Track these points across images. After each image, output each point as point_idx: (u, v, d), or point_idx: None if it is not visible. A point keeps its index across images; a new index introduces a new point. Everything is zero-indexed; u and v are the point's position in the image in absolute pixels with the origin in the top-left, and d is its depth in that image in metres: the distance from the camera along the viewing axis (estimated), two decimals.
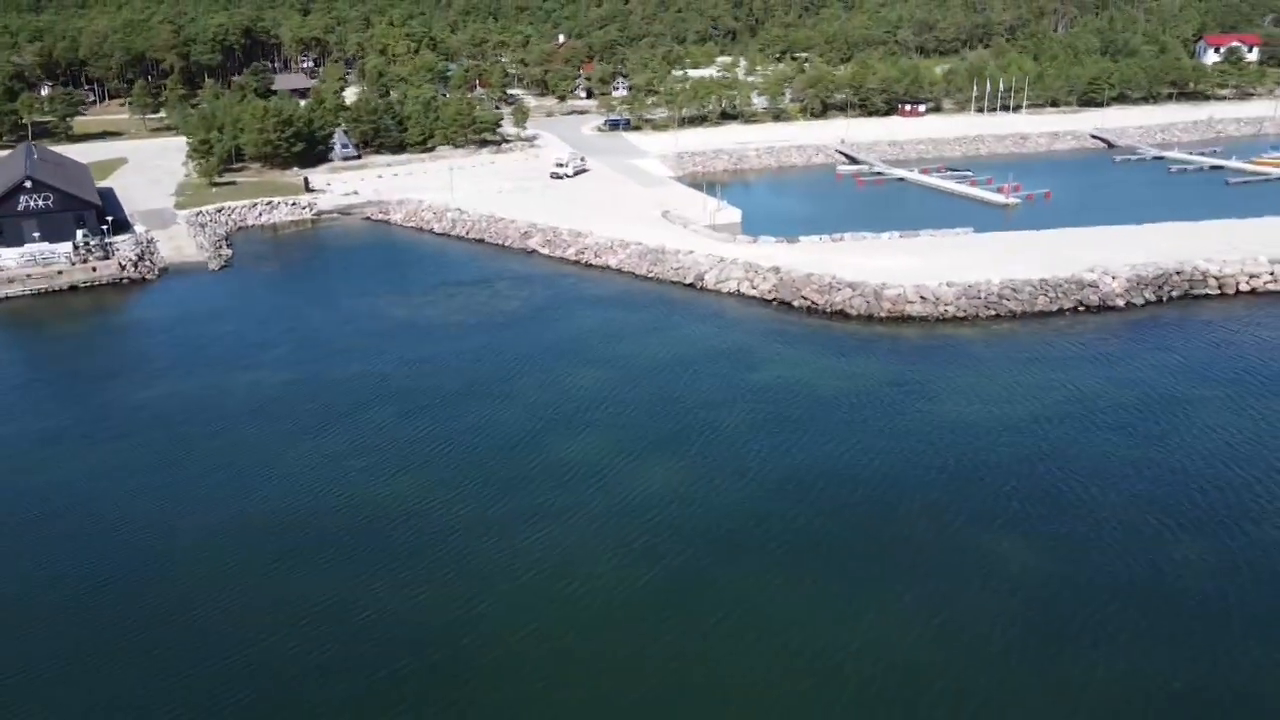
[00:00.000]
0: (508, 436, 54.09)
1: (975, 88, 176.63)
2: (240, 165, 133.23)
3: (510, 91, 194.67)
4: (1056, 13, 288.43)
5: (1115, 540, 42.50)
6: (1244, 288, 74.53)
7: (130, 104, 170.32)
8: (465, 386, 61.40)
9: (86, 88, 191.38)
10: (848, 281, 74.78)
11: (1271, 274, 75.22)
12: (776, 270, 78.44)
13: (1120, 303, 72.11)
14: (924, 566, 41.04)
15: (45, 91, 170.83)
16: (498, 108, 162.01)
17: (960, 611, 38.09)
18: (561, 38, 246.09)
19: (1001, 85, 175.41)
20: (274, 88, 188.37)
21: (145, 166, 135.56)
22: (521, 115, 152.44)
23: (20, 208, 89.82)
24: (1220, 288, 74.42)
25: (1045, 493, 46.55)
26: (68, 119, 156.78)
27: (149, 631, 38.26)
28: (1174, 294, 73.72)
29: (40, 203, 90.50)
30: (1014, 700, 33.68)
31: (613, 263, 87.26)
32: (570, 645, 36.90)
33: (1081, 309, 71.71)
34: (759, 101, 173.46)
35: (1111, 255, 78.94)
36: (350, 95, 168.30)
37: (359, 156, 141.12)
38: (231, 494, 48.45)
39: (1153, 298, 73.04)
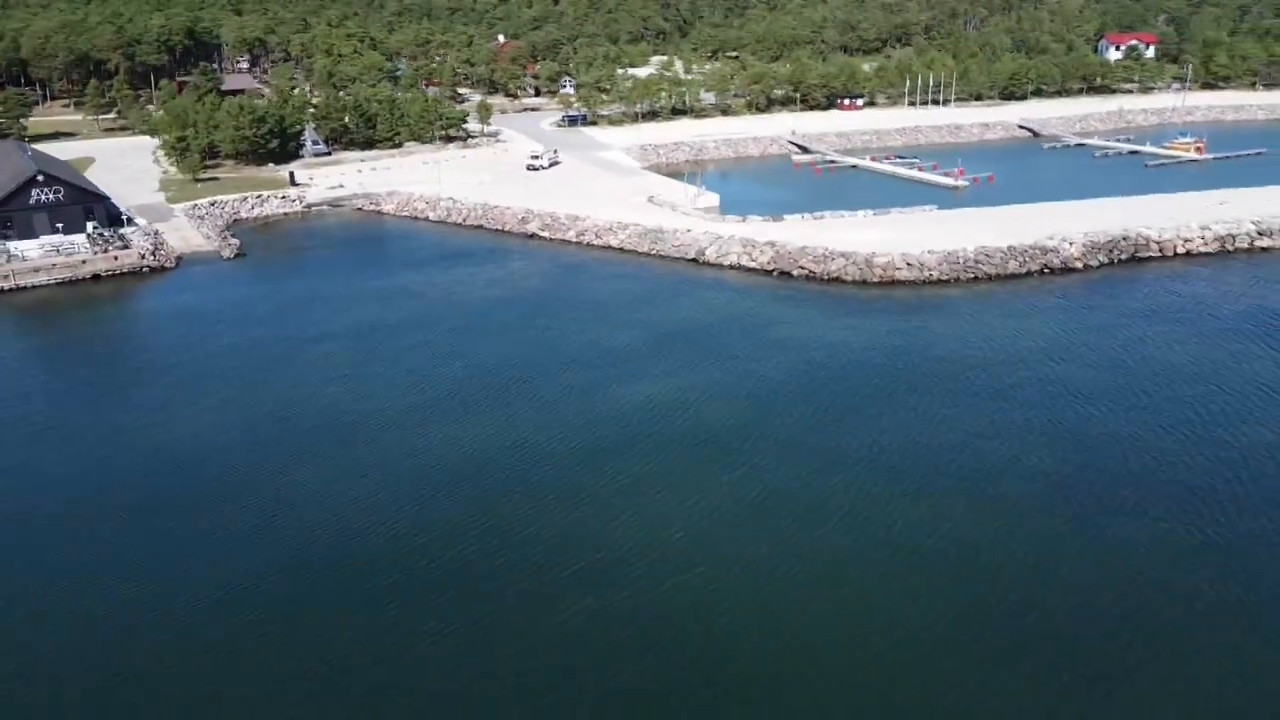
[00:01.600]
0: (578, 387, 60.16)
1: (907, 83, 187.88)
2: (214, 162, 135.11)
3: (460, 91, 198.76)
4: (967, 13, 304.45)
5: (1088, 426, 51.04)
6: (1180, 250, 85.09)
7: (84, 104, 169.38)
8: (521, 349, 67.10)
9: (26, 88, 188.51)
10: (840, 252, 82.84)
11: (1203, 238, 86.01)
12: (772, 244, 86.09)
13: (1079, 265, 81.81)
14: (943, 458, 48.78)
15: None
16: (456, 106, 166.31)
17: (985, 493, 45.86)
18: (501, 38, 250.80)
19: (931, 80, 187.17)
20: (223, 88, 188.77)
21: (115, 165, 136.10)
22: (486, 112, 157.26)
23: (31, 201, 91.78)
24: (1161, 251, 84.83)
25: (1034, 407, 55.09)
26: (21, 119, 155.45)
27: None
28: (1123, 257, 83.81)
29: (51, 196, 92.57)
30: (1051, 558, 41.34)
31: (614, 242, 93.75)
32: (682, 538, 43.26)
33: (1046, 271, 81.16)
34: (706, 98, 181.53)
35: (1063, 226, 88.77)
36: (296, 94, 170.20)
37: (329, 153, 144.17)
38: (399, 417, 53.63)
39: (1105, 260, 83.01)
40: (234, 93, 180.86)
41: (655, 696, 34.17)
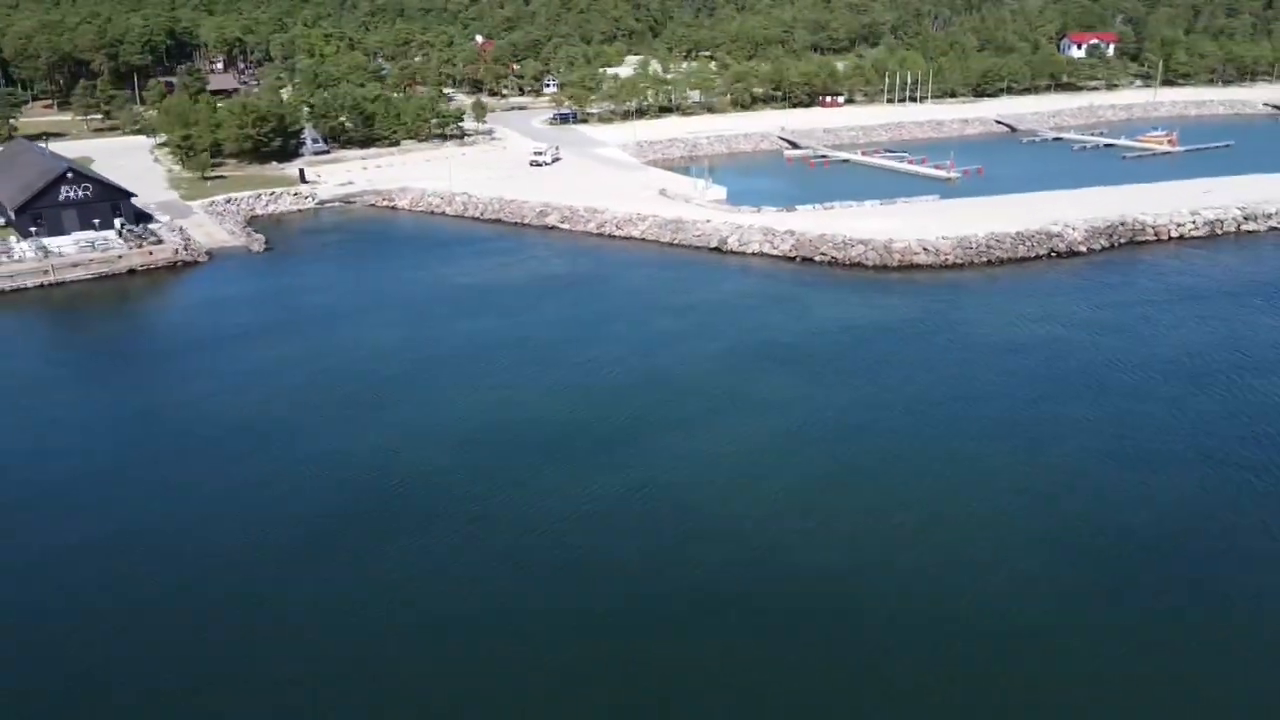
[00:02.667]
0: (640, 367, 63.45)
1: (885, 81, 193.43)
2: (216, 161, 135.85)
3: (444, 90, 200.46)
4: (932, 14, 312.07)
5: (1128, 385, 55.66)
6: (1174, 234, 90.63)
7: (69, 105, 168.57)
8: (576, 331, 70.25)
9: (8, 89, 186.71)
10: (859, 239, 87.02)
11: (1193, 223, 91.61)
12: (792, 232, 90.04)
13: (1083, 248, 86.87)
14: (979, 413, 52.99)
15: None
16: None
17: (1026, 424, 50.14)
18: (479, 38, 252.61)
19: (909, 78, 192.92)
20: (208, 88, 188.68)
21: (115, 165, 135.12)
22: (481, 110, 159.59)
23: (61, 198, 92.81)
24: (1156, 235, 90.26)
25: (1059, 373, 59.56)
26: (10, 120, 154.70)
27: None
28: (1122, 241, 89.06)
29: (80, 193, 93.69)
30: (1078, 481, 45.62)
31: (635, 233, 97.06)
32: (746, 474, 46.88)
33: (1053, 254, 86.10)
34: (692, 95, 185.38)
35: (1062, 213, 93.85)
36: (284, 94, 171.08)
37: (329, 151, 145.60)
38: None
39: (1106, 244, 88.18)
40: (221, 93, 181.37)
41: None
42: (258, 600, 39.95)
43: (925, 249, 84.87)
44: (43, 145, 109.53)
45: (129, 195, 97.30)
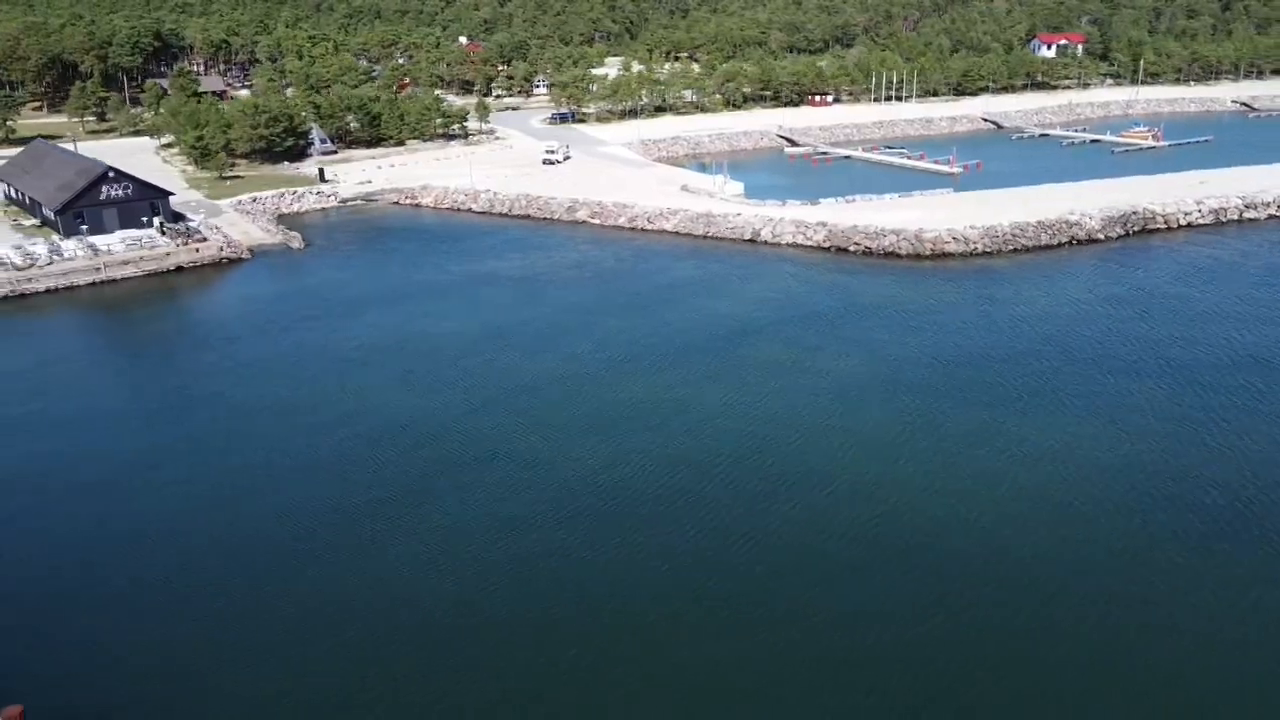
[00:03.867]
0: (700, 344, 66.41)
1: (872, 80, 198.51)
2: (228, 161, 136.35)
3: (435, 91, 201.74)
4: (902, 15, 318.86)
5: (1177, 357, 59.92)
6: (1182, 223, 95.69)
7: (64, 106, 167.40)
8: (639, 320, 72.91)
9: (5, 93, 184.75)
10: (890, 229, 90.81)
11: (1199, 211, 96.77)
12: (824, 224, 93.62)
13: (1100, 236, 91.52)
14: (1019, 386, 56.89)
15: None
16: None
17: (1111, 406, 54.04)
18: (464, 39, 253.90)
19: (895, 78, 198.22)
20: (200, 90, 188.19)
21: (126, 166, 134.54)
22: (484, 110, 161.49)
23: (103, 197, 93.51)
24: (1166, 223, 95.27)
25: (1089, 349, 63.75)
26: (8, 122, 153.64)
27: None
28: (1135, 229, 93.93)
29: (120, 192, 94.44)
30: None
31: (667, 227, 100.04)
32: (802, 444, 50.19)
33: (1074, 242, 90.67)
34: (685, 95, 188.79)
35: (1073, 204, 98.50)
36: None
37: (336, 151, 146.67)
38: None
39: (1121, 232, 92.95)
40: (217, 94, 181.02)
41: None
42: (368, 538, 42.24)
43: (955, 238, 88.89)
44: (70, 146, 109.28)
45: (167, 194, 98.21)
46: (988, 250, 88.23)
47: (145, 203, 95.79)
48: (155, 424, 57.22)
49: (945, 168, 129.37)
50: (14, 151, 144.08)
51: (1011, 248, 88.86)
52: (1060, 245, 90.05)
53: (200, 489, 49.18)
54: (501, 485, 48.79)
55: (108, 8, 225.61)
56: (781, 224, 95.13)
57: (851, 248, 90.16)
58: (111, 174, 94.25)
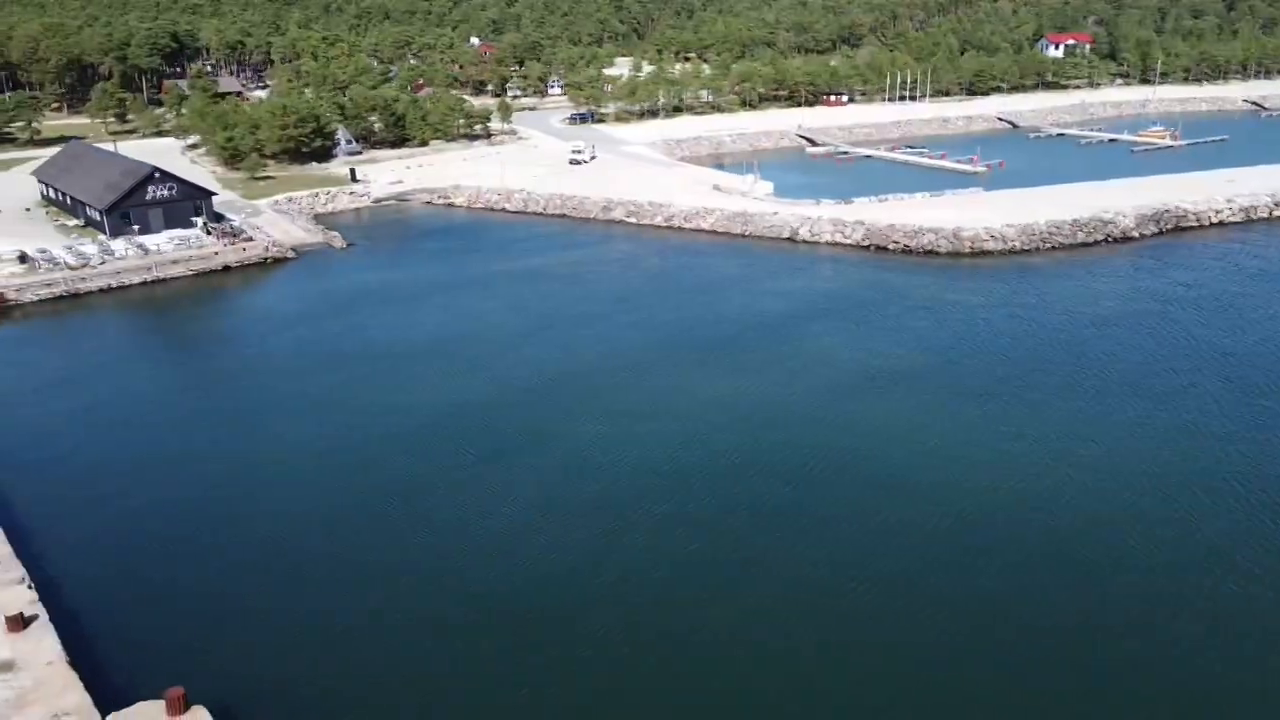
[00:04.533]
0: (760, 338, 67.62)
1: (888, 79, 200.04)
2: (260, 162, 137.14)
3: (451, 92, 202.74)
4: (908, 15, 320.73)
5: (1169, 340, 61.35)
6: (1214, 220, 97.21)
7: (84, 108, 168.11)
8: (687, 314, 74.10)
9: (30, 94, 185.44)
10: (928, 228, 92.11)
11: (1230, 209, 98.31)
12: (861, 223, 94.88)
13: (1135, 234, 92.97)
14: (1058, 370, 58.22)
15: None
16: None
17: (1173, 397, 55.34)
18: (475, 40, 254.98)
19: (909, 78, 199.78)
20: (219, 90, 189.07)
21: None
22: (506, 111, 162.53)
23: (149, 197, 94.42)
24: (1198, 220, 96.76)
25: (1134, 344, 65.16)
26: (32, 123, 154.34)
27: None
28: (1168, 226, 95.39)
29: (165, 192, 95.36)
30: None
31: (704, 225, 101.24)
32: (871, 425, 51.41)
33: (1109, 240, 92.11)
34: (702, 95, 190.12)
35: (1103, 202, 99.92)
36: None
37: (361, 151, 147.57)
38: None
39: (1155, 230, 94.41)
40: (227, 95, 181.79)
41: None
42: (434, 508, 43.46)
43: (992, 236, 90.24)
44: (110, 147, 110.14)
45: (210, 194, 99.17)
46: (1025, 248, 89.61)
47: (189, 203, 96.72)
48: (263, 418, 58.02)
49: (969, 167, 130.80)
50: (40, 152, 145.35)
51: (1049, 245, 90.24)
52: (1096, 243, 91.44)
53: (326, 476, 50.20)
54: (589, 466, 49.94)
55: (118, 9, 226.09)
56: (819, 223, 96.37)
57: (890, 246, 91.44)
58: (157, 174, 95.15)
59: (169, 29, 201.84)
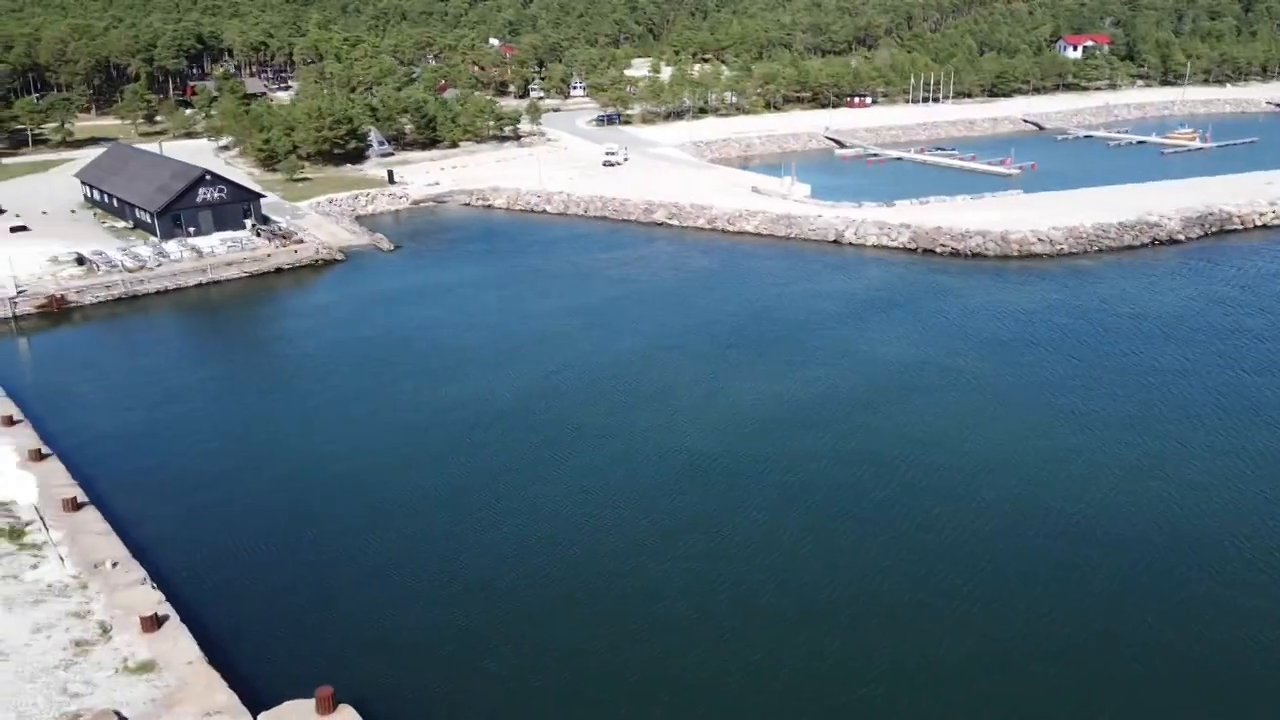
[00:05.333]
0: (825, 342, 68.17)
1: (911, 81, 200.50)
2: (298, 164, 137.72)
3: (475, 93, 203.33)
4: (923, 16, 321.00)
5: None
6: (1258, 223, 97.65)
7: (112, 109, 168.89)
8: (747, 319, 74.62)
9: (37, 94, 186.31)
10: (975, 230, 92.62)
11: (1274, 212, 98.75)
12: (907, 226, 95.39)
13: (1181, 237, 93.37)
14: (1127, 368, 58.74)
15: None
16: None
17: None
18: (495, 41, 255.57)
19: (931, 79, 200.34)
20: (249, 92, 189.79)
21: None
22: (536, 112, 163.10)
23: (199, 200, 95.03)
24: (1242, 223, 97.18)
25: (1198, 335, 65.62)
26: (66, 124, 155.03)
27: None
28: (1213, 229, 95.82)
29: (215, 195, 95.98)
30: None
31: (748, 228, 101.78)
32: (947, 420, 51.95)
33: (1156, 243, 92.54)
34: (728, 96, 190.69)
35: (1145, 204, 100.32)
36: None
37: (393, 153, 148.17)
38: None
39: (1200, 232, 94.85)
40: (252, 96, 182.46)
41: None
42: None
43: (1040, 239, 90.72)
44: (155, 149, 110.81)
45: (260, 196, 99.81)
46: (1073, 251, 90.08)
47: (239, 205, 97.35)
48: (345, 417, 58.65)
49: (1002, 169, 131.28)
50: (73, 154, 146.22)
51: (1097, 248, 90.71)
52: (1143, 246, 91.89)
53: (448, 480, 50.76)
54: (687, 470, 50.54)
55: (140, 10, 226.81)
56: (864, 225, 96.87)
57: (937, 249, 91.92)
58: (208, 177, 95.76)
59: (193, 30, 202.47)
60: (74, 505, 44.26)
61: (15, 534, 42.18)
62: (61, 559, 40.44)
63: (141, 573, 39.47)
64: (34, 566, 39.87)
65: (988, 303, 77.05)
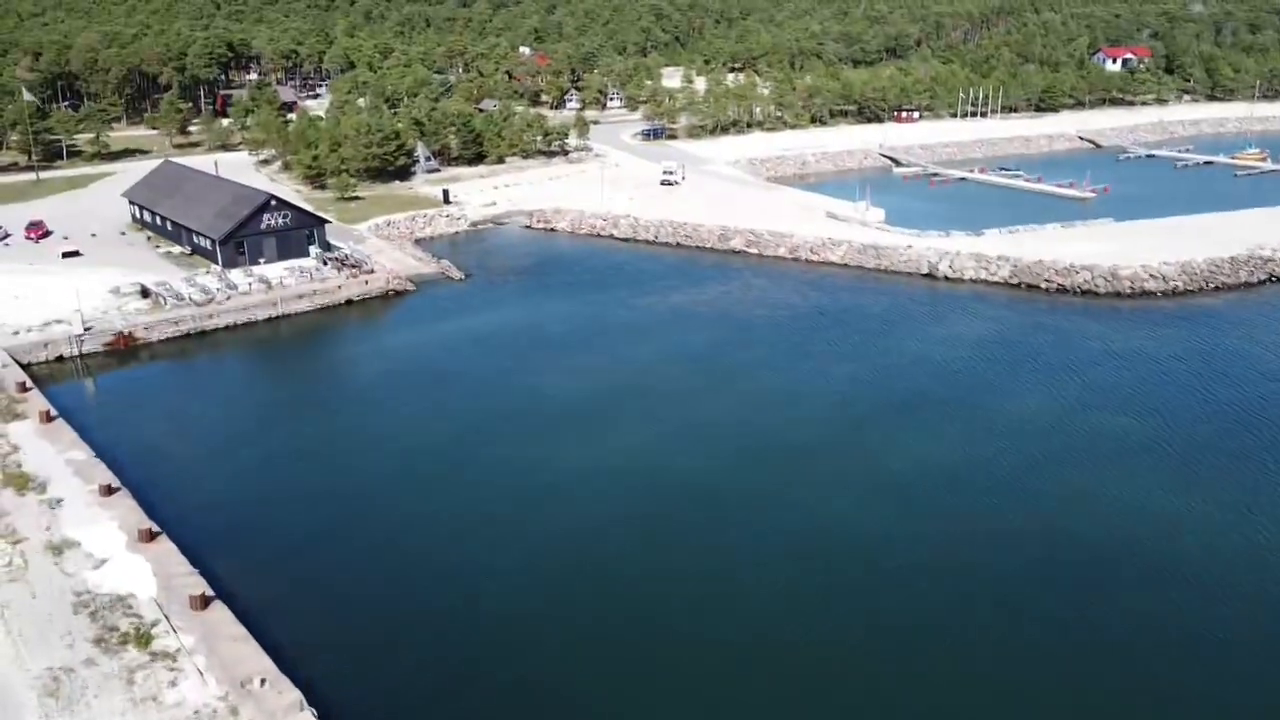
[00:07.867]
0: (951, 386, 63.63)
1: (958, 95, 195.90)
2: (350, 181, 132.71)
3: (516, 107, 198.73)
4: (952, 26, 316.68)
5: None
6: None
7: (144, 119, 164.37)
8: (867, 365, 70.10)
9: (66, 103, 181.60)
10: (1080, 265, 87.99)
11: None
12: (1006, 259, 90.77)
13: None
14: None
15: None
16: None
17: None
18: (525, 50, 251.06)
19: (979, 94, 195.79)
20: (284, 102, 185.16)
21: None
22: (584, 126, 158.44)
23: (263, 226, 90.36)
24: None
25: None
26: (101, 136, 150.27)
27: None
28: None
29: (280, 220, 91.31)
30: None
31: (834, 258, 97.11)
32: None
33: (1274, 279, 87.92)
34: (772, 110, 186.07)
35: (1251, 235, 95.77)
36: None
37: (439, 169, 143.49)
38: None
39: None
40: (284, 106, 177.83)
41: None
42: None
43: (1152, 275, 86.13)
44: (212, 166, 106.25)
45: (324, 222, 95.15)
46: (1189, 288, 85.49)
47: (303, 231, 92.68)
48: (460, 454, 54.22)
49: (1074, 192, 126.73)
50: (109, 166, 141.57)
51: (1213, 285, 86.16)
52: (1262, 283, 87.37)
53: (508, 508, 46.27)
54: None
55: (164, 16, 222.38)
56: (959, 258, 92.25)
57: (1043, 285, 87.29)
58: (274, 202, 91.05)
59: (223, 38, 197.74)
60: (202, 602, 39.56)
61: (143, 639, 37.49)
62: (200, 673, 35.76)
63: (296, 694, 34.78)
64: (172, 684, 35.17)
65: (1117, 349, 72.35)
